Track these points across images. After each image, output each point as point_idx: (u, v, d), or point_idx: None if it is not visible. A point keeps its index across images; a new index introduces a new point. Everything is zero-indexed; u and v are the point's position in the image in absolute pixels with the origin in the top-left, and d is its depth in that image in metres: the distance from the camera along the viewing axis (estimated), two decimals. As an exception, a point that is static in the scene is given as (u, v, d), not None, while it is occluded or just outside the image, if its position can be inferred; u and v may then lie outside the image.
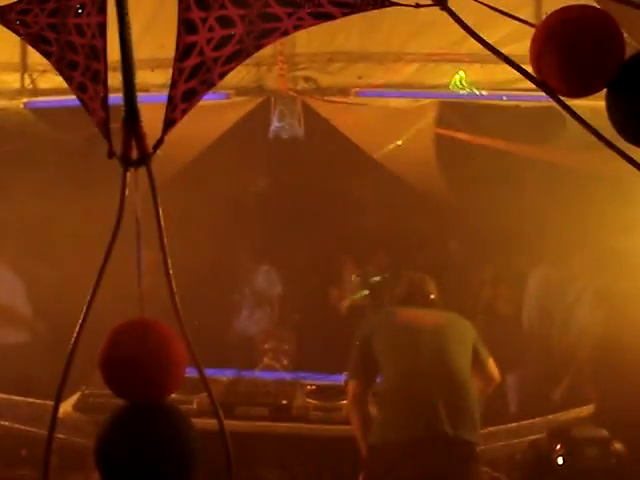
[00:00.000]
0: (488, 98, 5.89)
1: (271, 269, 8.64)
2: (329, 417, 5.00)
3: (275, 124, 6.18)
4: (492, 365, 4.69)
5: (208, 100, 6.21)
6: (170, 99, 1.54)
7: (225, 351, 6.92)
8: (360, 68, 5.93)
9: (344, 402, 5.08)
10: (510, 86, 5.67)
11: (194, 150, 7.51)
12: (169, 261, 1.59)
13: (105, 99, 1.54)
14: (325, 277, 8.89)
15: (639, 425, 4.59)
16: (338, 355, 5.37)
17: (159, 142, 1.53)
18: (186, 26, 1.51)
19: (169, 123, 1.53)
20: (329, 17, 1.58)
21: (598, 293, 7.17)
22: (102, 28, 1.51)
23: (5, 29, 1.79)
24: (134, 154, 1.55)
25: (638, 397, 4.66)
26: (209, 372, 5.71)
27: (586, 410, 5.79)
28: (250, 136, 7.05)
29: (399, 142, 7.43)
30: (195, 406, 5.00)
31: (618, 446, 5.08)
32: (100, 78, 1.53)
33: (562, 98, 1.56)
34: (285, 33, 1.58)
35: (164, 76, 5.22)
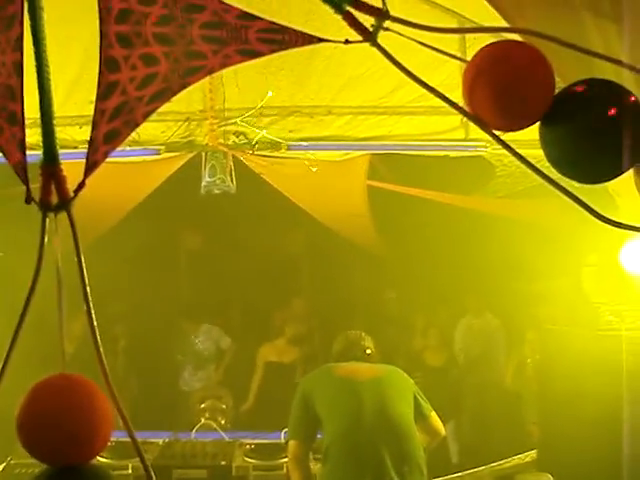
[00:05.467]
0: (418, 149, 5.96)
1: (206, 328, 8.46)
2: (269, 476, 4.84)
3: (207, 179, 6.10)
4: (435, 418, 4.62)
5: (138, 157, 6.14)
6: (92, 141, 1.45)
7: (160, 413, 6.69)
8: (290, 122, 5.94)
9: (284, 460, 4.95)
10: (439, 137, 5.76)
11: (125, 208, 7.37)
12: (93, 313, 1.49)
13: (22, 141, 1.44)
14: (261, 334, 8.74)
15: (582, 467, 4.58)
16: (276, 412, 5.25)
17: (80, 186, 1.44)
18: (108, 64, 1.43)
19: (91, 165, 1.45)
20: (257, 55, 1.53)
21: (529, 339, 7.27)
22: (18, 67, 1.43)
23: None
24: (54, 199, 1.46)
25: (579, 439, 4.67)
26: (144, 435, 5.54)
27: (529, 456, 5.77)
28: (181, 192, 6.97)
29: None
30: (131, 471, 4.80)
31: (563, 490, 5.04)
32: (17, 119, 1.44)
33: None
34: (211, 71, 1.52)
35: (92, 133, 5.12)
